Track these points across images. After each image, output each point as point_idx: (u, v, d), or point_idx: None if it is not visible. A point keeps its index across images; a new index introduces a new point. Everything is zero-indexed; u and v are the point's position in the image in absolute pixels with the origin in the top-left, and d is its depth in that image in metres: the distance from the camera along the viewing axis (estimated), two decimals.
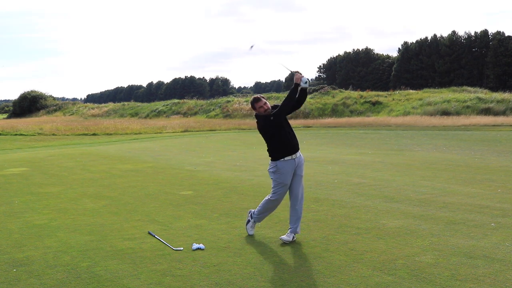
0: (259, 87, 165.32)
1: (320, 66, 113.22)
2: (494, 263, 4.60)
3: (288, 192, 5.66)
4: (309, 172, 11.00)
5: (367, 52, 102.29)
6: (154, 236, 5.73)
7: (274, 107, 5.63)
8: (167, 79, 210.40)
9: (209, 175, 10.93)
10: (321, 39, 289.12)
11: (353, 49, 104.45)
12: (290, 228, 5.55)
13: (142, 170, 12.12)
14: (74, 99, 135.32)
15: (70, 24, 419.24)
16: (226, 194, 8.47)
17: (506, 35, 78.30)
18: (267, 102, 5.53)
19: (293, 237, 5.52)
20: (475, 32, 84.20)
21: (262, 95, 5.63)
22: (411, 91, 46.82)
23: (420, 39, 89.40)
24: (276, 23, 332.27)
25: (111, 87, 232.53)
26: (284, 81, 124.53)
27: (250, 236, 5.76)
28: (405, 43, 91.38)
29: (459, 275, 4.29)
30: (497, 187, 8.56)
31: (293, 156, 5.50)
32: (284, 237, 5.51)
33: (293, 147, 5.51)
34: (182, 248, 5.24)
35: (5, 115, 77.35)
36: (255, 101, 5.54)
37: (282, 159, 5.46)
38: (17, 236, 5.99)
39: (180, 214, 7.03)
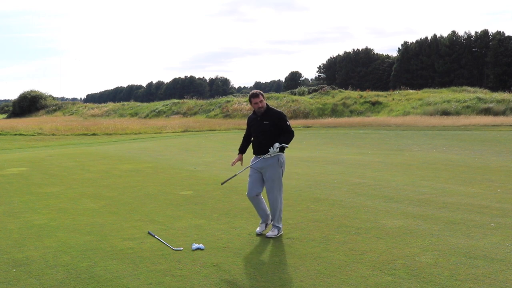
0: (259, 87, 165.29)
1: (320, 66, 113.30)
2: (494, 263, 4.60)
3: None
4: (309, 172, 11.01)
5: (367, 52, 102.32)
6: (154, 236, 5.73)
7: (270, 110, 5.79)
8: (167, 79, 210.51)
9: (209, 175, 10.93)
10: (322, 39, 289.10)
11: (353, 49, 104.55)
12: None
13: (142, 170, 12.11)
14: (74, 99, 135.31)
15: (70, 24, 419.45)
16: (226, 194, 8.47)
17: (506, 35, 78.38)
18: (264, 100, 5.71)
19: (278, 231, 5.75)
20: (475, 32, 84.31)
21: (261, 92, 5.78)
22: (411, 91, 46.85)
23: (420, 39, 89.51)
24: (277, 22, 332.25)
25: (111, 87, 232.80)
26: (284, 81, 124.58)
27: (250, 236, 5.76)
28: (405, 43, 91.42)
29: (459, 275, 4.29)
30: (497, 187, 8.56)
31: (259, 156, 5.74)
32: (269, 233, 5.74)
33: (258, 150, 5.76)
34: (181, 248, 5.24)
35: (4, 115, 77.32)
36: (253, 96, 5.72)
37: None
38: (17, 236, 5.98)
39: (180, 214, 7.03)
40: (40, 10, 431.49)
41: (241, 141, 6.14)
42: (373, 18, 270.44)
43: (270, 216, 5.87)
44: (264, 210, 5.85)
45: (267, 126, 5.67)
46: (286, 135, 5.68)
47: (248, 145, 6.09)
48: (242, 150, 6.09)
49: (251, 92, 5.76)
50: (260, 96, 5.69)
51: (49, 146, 21.75)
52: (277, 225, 5.80)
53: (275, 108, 5.83)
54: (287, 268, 4.63)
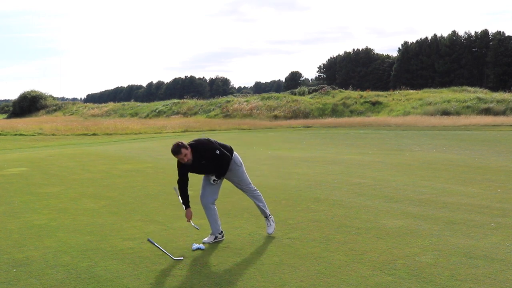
0: (259, 87, 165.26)
1: (320, 66, 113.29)
2: (494, 263, 4.60)
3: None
4: (309, 172, 11.01)
5: (367, 52, 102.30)
6: (154, 244, 5.55)
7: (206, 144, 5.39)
8: (167, 79, 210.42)
9: None
10: (323, 38, 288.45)
11: (353, 49, 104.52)
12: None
13: (142, 170, 12.12)
14: (74, 99, 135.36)
15: (70, 24, 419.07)
16: (226, 194, 8.45)
17: (506, 35, 78.42)
18: (188, 151, 5.18)
19: (272, 221, 5.79)
20: (475, 32, 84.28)
21: (180, 145, 5.18)
22: (411, 91, 46.80)
23: (420, 39, 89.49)
24: (278, 22, 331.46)
25: (111, 87, 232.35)
26: (284, 81, 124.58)
27: (250, 236, 5.76)
28: (405, 43, 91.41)
29: (459, 275, 4.29)
30: (497, 187, 8.56)
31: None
32: (270, 230, 5.75)
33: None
34: (182, 258, 5.00)
35: (5, 115, 77.29)
36: (174, 154, 5.20)
37: None
38: (17, 236, 5.99)
39: (180, 214, 7.02)
40: (40, 10, 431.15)
41: (181, 192, 5.56)
42: (373, 18, 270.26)
43: (220, 228, 5.60)
44: (216, 221, 5.57)
45: (206, 164, 5.37)
46: (221, 165, 5.39)
47: (187, 191, 5.57)
48: (187, 202, 5.56)
49: (171, 149, 5.19)
50: (182, 150, 5.14)
51: (49, 146, 21.75)
52: (268, 216, 5.80)
53: (199, 142, 5.36)
54: (287, 268, 4.63)
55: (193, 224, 5.70)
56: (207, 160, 5.34)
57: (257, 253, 5.14)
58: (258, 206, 5.82)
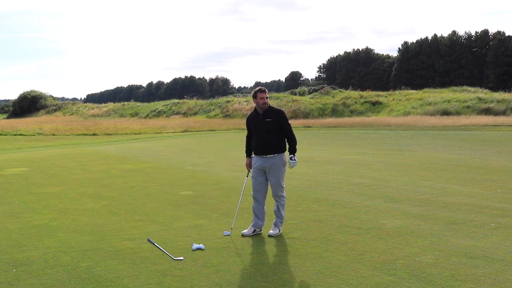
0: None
1: (320, 66, 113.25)
2: (494, 263, 4.60)
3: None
4: (309, 172, 11.01)
5: (367, 52, 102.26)
6: (154, 244, 5.55)
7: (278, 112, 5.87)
8: (167, 79, 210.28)
9: (209, 175, 10.93)
10: (323, 38, 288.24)
11: (353, 49, 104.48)
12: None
13: (142, 170, 12.12)
14: (74, 99, 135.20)
15: (70, 24, 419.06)
16: (226, 194, 8.47)
17: (507, 35, 78.38)
18: (268, 100, 5.83)
19: (279, 230, 5.85)
20: (476, 32, 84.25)
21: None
22: (411, 91, 46.82)
23: (421, 39, 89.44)
24: (279, 22, 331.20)
25: (111, 87, 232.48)
26: (284, 81, 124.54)
27: (250, 236, 5.77)
28: (405, 43, 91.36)
29: (459, 275, 4.29)
30: (497, 187, 8.56)
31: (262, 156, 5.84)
32: (272, 232, 5.83)
33: (260, 149, 5.82)
34: (182, 258, 4.99)
35: (5, 115, 77.31)
36: (261, 91, 5.81)
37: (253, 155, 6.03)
38: (17, 236, 5.98)
39: (180, 214, 7.03)
40: (40, 10, 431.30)
41: (246, 143, 6.17)
42: (373, 18, 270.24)
43: (262, 224, 5.89)
44: (262, 216, 5.85)
45: (270, 123, 5.75)
46: (292, 142, 5.87)
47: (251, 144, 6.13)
48: (250, 153, 6.10)
49: (258, 88, 5.84)
50: (266, 93, 5.83)
51: (49, 146, 21.75)
52: (280, 223, 5.87)
53: (275, 107, 5.93)
54: (288, 268, 4.63)
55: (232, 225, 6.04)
56: (273, 120, 5.75)
57: (257, 253, 5.14)
58: (276, 210, 5.88)
